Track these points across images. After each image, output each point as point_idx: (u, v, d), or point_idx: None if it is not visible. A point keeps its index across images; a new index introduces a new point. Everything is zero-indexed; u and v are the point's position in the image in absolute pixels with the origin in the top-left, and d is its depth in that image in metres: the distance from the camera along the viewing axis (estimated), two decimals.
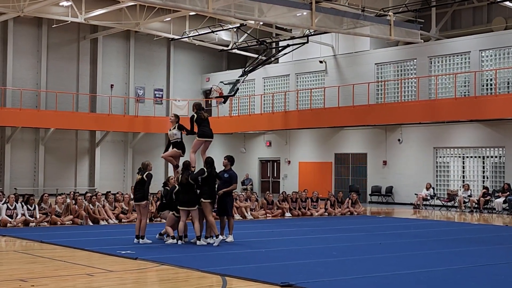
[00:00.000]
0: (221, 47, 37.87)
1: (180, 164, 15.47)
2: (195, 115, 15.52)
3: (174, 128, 15.60)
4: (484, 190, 27.85)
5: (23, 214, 19.07)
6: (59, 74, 37.53)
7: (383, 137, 32.94)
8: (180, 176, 14.74)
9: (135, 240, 14.83)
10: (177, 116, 15.87)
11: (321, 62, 35.54)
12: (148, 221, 20.01)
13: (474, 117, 28.16)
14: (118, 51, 39.69)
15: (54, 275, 10.81)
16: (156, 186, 21.29)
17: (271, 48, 35.31)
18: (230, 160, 15.59)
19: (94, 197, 20.60)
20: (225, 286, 9.83)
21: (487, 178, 29.33)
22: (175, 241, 14.75)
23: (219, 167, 15.39)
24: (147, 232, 15.71)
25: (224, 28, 34.50)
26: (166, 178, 15.84)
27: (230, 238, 15.19)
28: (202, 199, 14.65)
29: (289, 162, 37.29)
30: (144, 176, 14.88)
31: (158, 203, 18.31)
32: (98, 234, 17.01)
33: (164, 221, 16.37)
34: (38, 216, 19.31)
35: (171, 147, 15.73)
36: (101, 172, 38.27)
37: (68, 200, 20.34)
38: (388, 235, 17.83)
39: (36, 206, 19.62)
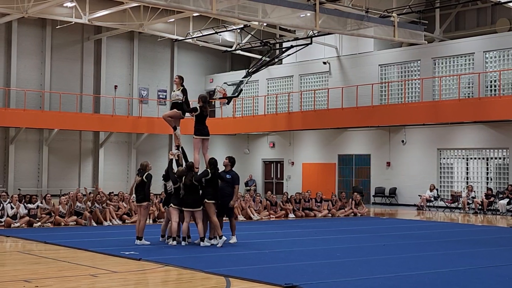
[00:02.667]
0: (224, 48, 37.90)
1: (181, 153, 15.56)
2: (198, 110, 15.36)
3: (179, 90, 15.54)
4: (488, 191, 27.81)
5: (26, 214, 19.10)
6: (63, 75, 37.58)
7: (386, 138, 32.92)
8: (184, 177, 14.72)
9: (136, 242, 14.79)
10: (181, 78, 15.77)
11: (324, 63, 35.53)
12: (151, 221, 20.22)
13: (478, 119, 28.13)
14: (122, 52, 39.72)
15: (58, 276, 10.83)
16: (160, 187, 21.28)
17: (274, 49, 35.34)
18: (231, 161, 15.48)
19: (98, 195, 20.64)
20: (228, 287, 9.82)
21: (491, 179, 29.29)
22: (174, 242, 14.72)
23: (222, 167, 15.38)
24: (151, 233, 15.74)
25: (228, 29, 34.54)
26: (165, 170, 15.54)
27: (233, 239, 15.19)
28: (206, 200, 14.65)
29: (292, 163, 37.28)
30: (144, 177, 14.84)
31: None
32: (101, 235, 17.02)
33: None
34: (39, 214, 19.37)
35: (170, 107, 15.81)
36: (104, 173, 38.28)
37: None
38: (392, 237, 17.82)
39: (39, 204, 19.65)
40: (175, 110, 15.61)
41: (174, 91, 15.71)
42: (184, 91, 15.55)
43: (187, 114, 15.87)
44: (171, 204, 14.88)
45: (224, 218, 15.36)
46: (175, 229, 14.76)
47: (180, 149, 15.69)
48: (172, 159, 15.44)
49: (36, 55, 36.76)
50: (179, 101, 15.53)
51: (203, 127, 15.49)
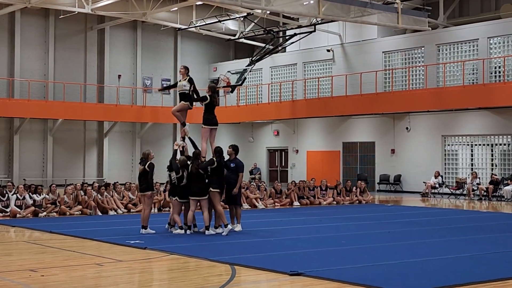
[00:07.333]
0: (228, 37, 37.82)
1: (188, 144, 15.55)
2: (208, 98, 15.40)
3: (185, 80, 15.50)
4: (493, 178, 27.77)
5: (32, 204, 19.14)
6: (67, 64, 37.59)
7: (391, 126, 32.88)
8: (190, 166, 14.73)
9: (141, 231, 14.81)
10: (186, 68, 15.74)
11: (328, 50, 35.45)
12: (156, 210, 20.28)
13: (483, 105, 28.06)
14: (125, 41, 39.69)
15: (63, 265, 10.87)
16: (165, 176, 21.29)
17: (278, 37, 35.24)
18: (235, 149, 15.48)
19: (103, 187, 20.67)
20: (234, 275, 9.85)
21: (496, 166, 29.25)
22: (182, 231, 14.75)
23: (227, 156, 15.41)
24: (157, 222, 15.78)
25: (231, 17, 34.43)
26: (169, 160, 15.51)
27: (238, 227, 15.22)
28: (211, 189, 14.66)
29: (297, 151, 37.28)
30: (146, 166, 14.84)
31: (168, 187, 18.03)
32: (107, 224, 17.06)
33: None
34: (44, 204, 19.40)
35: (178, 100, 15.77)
36: (109, 163, 38.37)
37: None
38: (397, 224, 17.83)
39: (46, 196, 19.70)
40: (182, 102, 15.58)
41: (180, 80, 15.67)
42: (191, 81, 15.53)
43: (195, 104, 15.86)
44: (171, 196, 15.01)
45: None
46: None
47: (185, 140, 15.69)
48: (176, 150, 15.43)
49: (40, 45, 36.76)
50: (186, 91, 15.51)
51: (212, 117, 15.49)
